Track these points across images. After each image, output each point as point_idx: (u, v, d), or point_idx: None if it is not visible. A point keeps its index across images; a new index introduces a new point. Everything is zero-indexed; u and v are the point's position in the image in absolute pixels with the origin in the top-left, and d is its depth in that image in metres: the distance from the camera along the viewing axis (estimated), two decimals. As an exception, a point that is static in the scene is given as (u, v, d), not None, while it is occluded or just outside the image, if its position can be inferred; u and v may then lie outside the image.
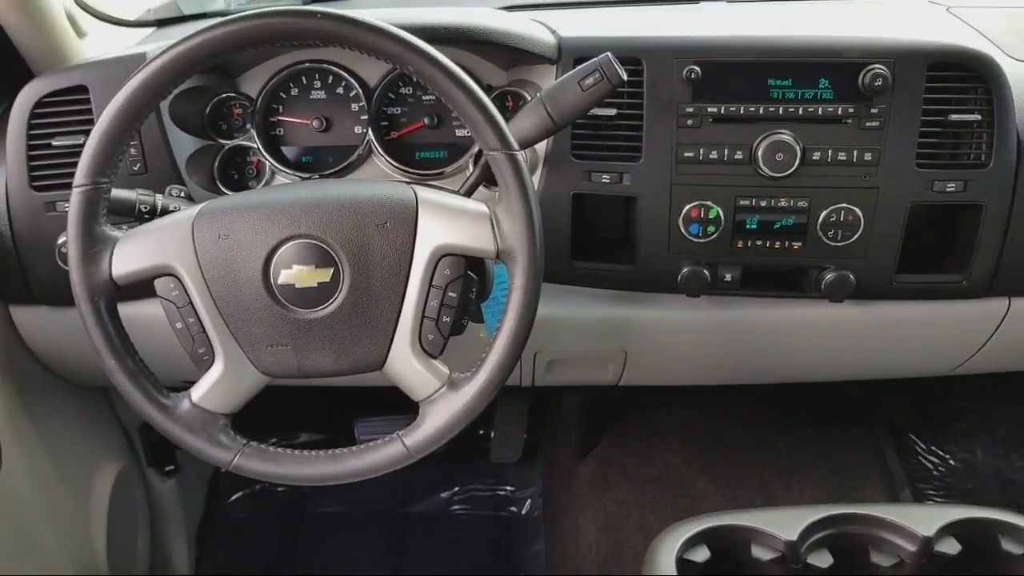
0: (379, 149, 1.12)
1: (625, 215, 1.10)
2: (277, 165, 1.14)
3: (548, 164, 1.05)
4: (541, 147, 1.05)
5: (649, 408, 1.88)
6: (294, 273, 0.83)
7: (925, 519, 0.95)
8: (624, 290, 1.14)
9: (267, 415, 1.14)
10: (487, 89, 1.10)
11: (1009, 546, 0.94)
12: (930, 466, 1.85)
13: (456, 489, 1.86)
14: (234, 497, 1.87)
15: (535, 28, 1.07)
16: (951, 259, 1.10)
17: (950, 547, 0.93)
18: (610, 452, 1.81)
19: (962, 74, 1.02)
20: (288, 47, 0.98)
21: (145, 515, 1.58)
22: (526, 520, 1.83)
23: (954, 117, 1.02)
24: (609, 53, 0.89)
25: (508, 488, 1.86)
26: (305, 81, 1.14)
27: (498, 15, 1.08)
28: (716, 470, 1.78)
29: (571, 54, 1.04)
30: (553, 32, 1.07)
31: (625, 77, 0.90)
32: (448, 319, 0.85)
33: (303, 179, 1.13)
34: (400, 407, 0.95)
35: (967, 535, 0.94)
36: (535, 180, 1.05)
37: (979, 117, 1.02)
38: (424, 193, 0.85)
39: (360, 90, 1.12)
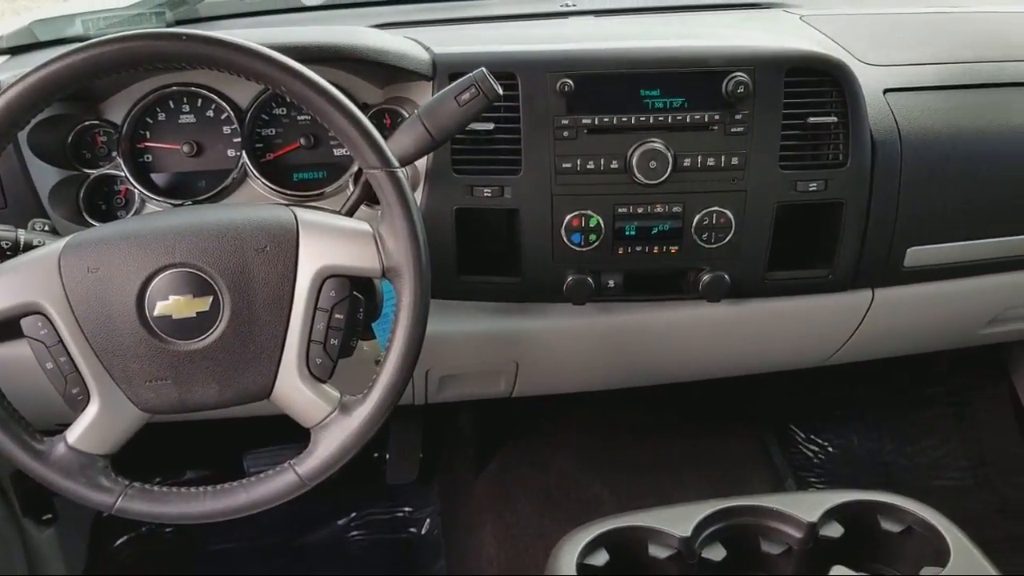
0: (254, 172, 1.09)
1: (509, 227, 1.11)
2: (147, 193, 1.09)
3: (429, 180, 1.05)
4: (421, 163, 1.05)
5: (542, 417, 1.90)
6: (171, 304, 0.80)
7: (809, 506, 0.99)
8: (512, 302, 1.15)
9: (149, 454, 1.09)
10: (363, 107, 1.09)
11: (887, 525, 0.99)
12: (810, 454, 1.94)
13: (353, 515, 1.82)
14: (119, 542, 1.77)
15: (409, 45, 1.07)
16: (817, 255, 1.15)
17: (834, 530, 0.98)
18: (506, 465, 1.81)
19: (817, 79, 1.07)
20: (153, 71, 0.95)
21: (23, 568, 1.48)
22: (426, 540, 1.81)
23: (812, 120, 1.07)
24: (484, 68, 0.90)
25: (406, 509, 1.84)
26: (173, 105, 1.10)
27: (370, 33, 1.08)
28: (610, 474, 1.82)
29: (446, 70, 1.04)
30: (427, 49, 1.07)
31: (501, 91, 0.91)
32: (336, 342, 0.83)
33: (176, 206, 1.09)
34: (291, 436, 0.93)
35: (848, 518, 0.99)
36: (417, 197, 1.05)
37: (835, 119, 1.08)
38: (304, 215, 0.84)
39: (231, 112, 1.09)
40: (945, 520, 0.97)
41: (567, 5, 1.38)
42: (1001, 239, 1.17)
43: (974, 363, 1.94)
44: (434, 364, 1.21)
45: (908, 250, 1.15)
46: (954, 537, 0.94)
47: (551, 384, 1.34)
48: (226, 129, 1.11)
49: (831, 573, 0.91)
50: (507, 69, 1.02)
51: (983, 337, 1.40)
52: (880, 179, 1.11)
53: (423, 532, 1.82)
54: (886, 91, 1.15)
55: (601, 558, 0.96)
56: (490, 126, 1.04)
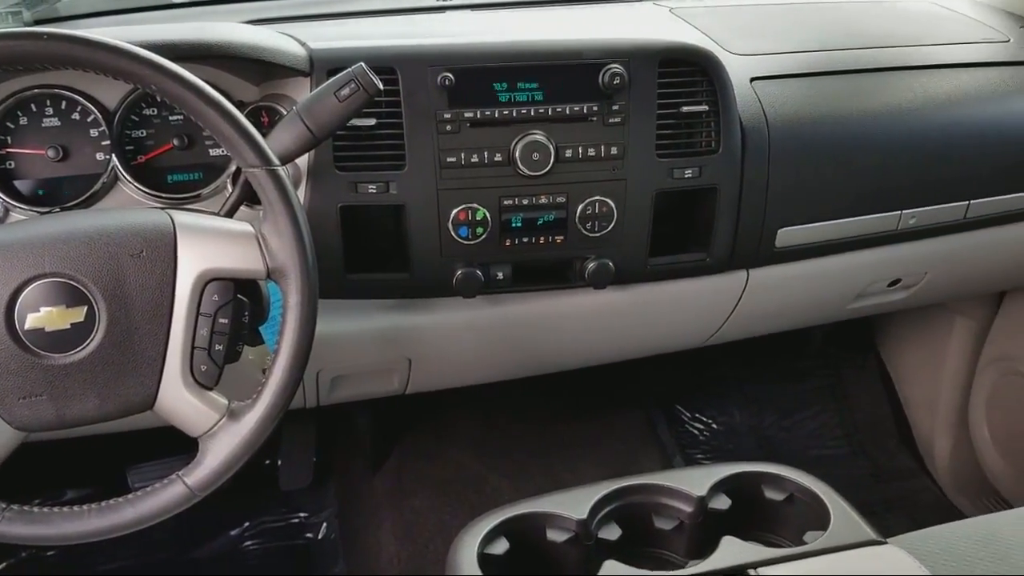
0: (126, 175, 1.05)
1: (395, 223, 1.10)
2: (10, 201, 1.03)
3: (311, 178, 1.04)
4: (302, 161, 1.03)
5: (437, 412, 1.90)
6: (42, 316, 0.76)
7: (697, 480, 1.02)
8: (402, 298, 1.15)
9: (27, 474, 1.04)
10: (239, 105, 1.06)
11: (771, 494, 1.04)
12: (696, 432, 2.01)
13: (246, 524, 1.77)
14: (-4, 569, 1.68)
15: (284, 41, 1.05)
16: (695, 239, 1.19)
17: (721, 503, 1.01)
18: (403, 461, 1.81)
19: (689, 69, 1.11)
20: (13, 73, 0.90)
21: None
22: (324, 545, 1.78)
23: (685, 109, 1.11)
24: (363, 63, 0.89)
25: (302, 515, 1.81)
26: (35, 108, 1.05)
27: (243, 29, 1.05)
28: (506, 463, 1.84)
29: (324, 66, 1.03)
30: (303, 44, 1.05)
31: (381, 86, 0.91)
32: (221, 347, 0.81)
33: (43, 214, 1.04)
34: (179, 447, 0.90)
35: (735, 489, 1.03)
36: (299, 195, 1.03)
37: (707, 108, 1.11)
38: (181, 217, 0.81)
39: (99, 114, 1.05)
40: (824, 487, 1.02)
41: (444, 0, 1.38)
42: (864, 217, 1.24)
43: (844, 337, 2.05)
44: (325, 365, 1.19)
45: (779, 231, 1.21)
46: (833, 502, 0.99)
47: (445, 379, 1.34)
48: (94, 132, 1.06)
49: (721, 544, 0.95)
50: (387, 64, 1.02)
51: (851, 311, 1.48)
52: (750, 164, 1.15)
53: (320, 536, 1.79)
54: (753, 80, 1.20)
55: (501, 546, 0.97)
56: (372, 122, 1.03)
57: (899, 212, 1.26)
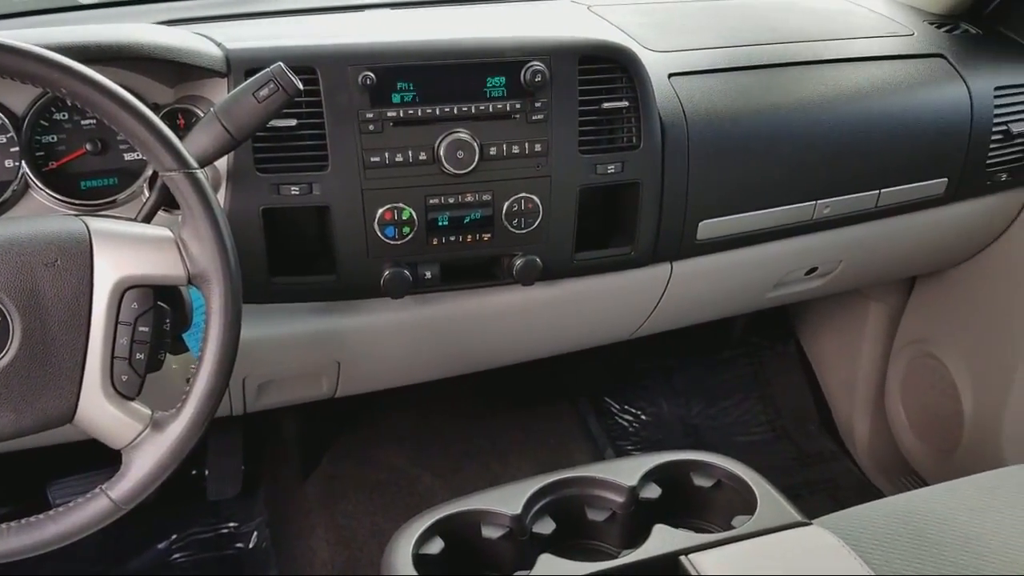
0: (36, 182, 1.01)
1: (320, 225, 1.09)
2: (-90, 212, 0.99)
3: (231, 181, 1.02)
4: (221, 164, 1.01)
5: (367, 414, 1.88)
6: (-48, 330, 0.73)
7: (627, 471, 1.04)
8: (329, 300, 1.13)
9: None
10: (154, 108, 1.04)
11: (700, 481, 1.06)
12: (625, 424, 2.03)
13: (174, 537, 1.73)
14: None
15: (199, 41, 1.02)
16: (620, 234, 1.21)
17: (652, 492, 1.03)
18: (334, 466, 1.79)
19: (609, 66, 1.12)
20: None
21: None
22: (255, 554, 1.75)
23: (606, 105, 1.12)
24: (281, 63, 0.88)
25: (231, 524, 1.77)
26: (-65, 115, 1.00)
27: (156, 30, 1.02)
28: (439, 463, 1.83)
29: (241, 66, 1.01)
30: (219, 45, 1.03)
31: (300, 86, 0.89)
32: (142, 356, 0.79)
33: (-54, 224, 1.00)
34: (102, 460, 0.87)
35: (665, 478, 1.05)
36: (219, 198, 1.01)
37: (627, 104, 1.13)
38: (97, 224, 0.79)
39: (6, 120, 1.00)
40: (751, 472, 1.05)
41: (363, -2, 1.37)
42: (780, 208, 1.28)
43: (764, 326, 2.11)
44: (251, 371, 1.17)
45: (700, 224, 1.23)
46: (760, 487, 1.02)
47: (375, 380, 1.33)
48: (1, 138, 1.02)
49: (653, 532, 0.96)
50: (306, 64, 1.01)
51: (770, 300, 1.52)
52: (671, 159, 1.17)
53: (251, 545, 1.76)
54: (671, 75, 1.22)
55: (436, 546, 0.97)
56: (292, 122, 1.02)
57: (814, 202, 1.30)
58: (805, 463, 2.02)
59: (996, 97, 1.39)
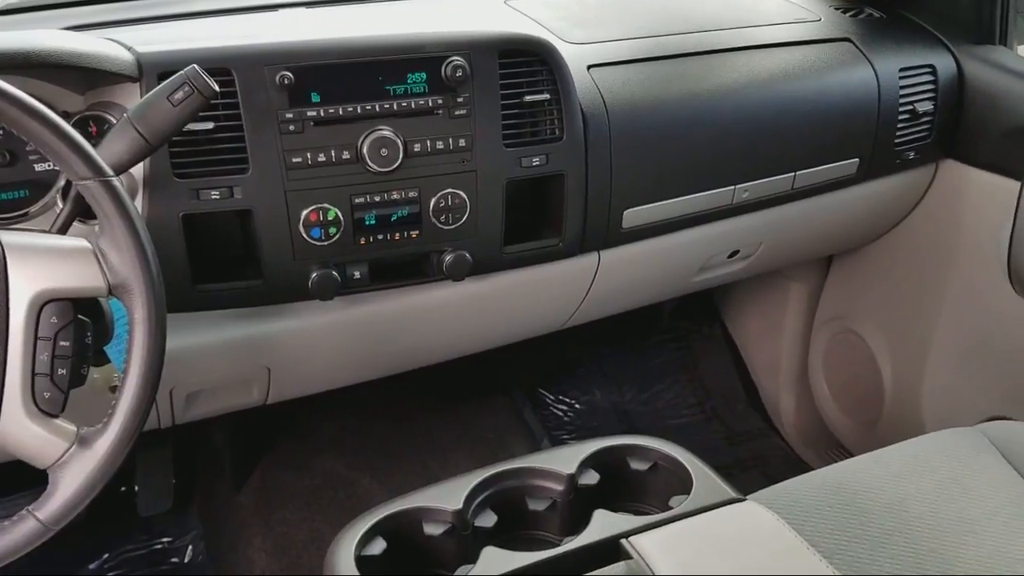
0: (-60, 197, 0.97)
1: (244, 229, 1.07)
2: None
3: (148, 187, 0.99)
4: (137, 171, 0.98)
5: (301, 420, 1.86)
6: None
7: (565, 459, 1.05)
8: (256, 305, 1.11)
9: None
10: (64, 116, 1.00)
11: (636, 464, 1.08)
12: (560, 413, 2.05)
13: (106, 556, 1.68)
14: None
15: (108, 46, 0.99)
16: (548, 225, 1.22)
17: (591, 478, 1.05)
18: (269, 474, 1.76)
19: (528, 59, 1.12)
20: None
21: None
22: (191, 568, 1.71)
23: (528, 98, 1.13)
24: (195, 65, 0.86)
25: (165, 540, 1.73)
26: None
27: (62, 35, 0.99)
28: (376, 464, 1.82)
29: (154, 70, 0.98)
30: (129, 49, 1.00)
31: (217, 88, 0.88)
32: (64, 371, 0.77)
33: None
34: (28, 481, 0.84)
35: (602, 464, 1.06)
36: (137, 205, 0.98)
37: (548, 96, 1.14)
38: (9, 238, 0.76)
39: (-95, 132, 0.96)
40: (685, 452, 1.07)
41: (277, -3, 1.35)
42: (701, 194, 1.30)
43: (691, 310, 2.15)
44: (178, 381, 1.14)
45: (625, 212, 1.25)
46: (694, 466, 1.04)
47: (307, 385, 1.32)
48: (-100, 153, 0.97)
49: (593, 518, 0.98)
50: (221, 65, 0.98)
51: (696, 284, 1.55)
52: (594, 150, 1.18)
53: (187, 560, 1.72)
54: (589, 67, 1.23)
55: (378, 547, 0.96)
56: (210, 125, 0.99)
57: (733, 187, 1.33)
58: (735, 441, 2.07)
59: (901, 78, 1.44)
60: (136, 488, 1.67)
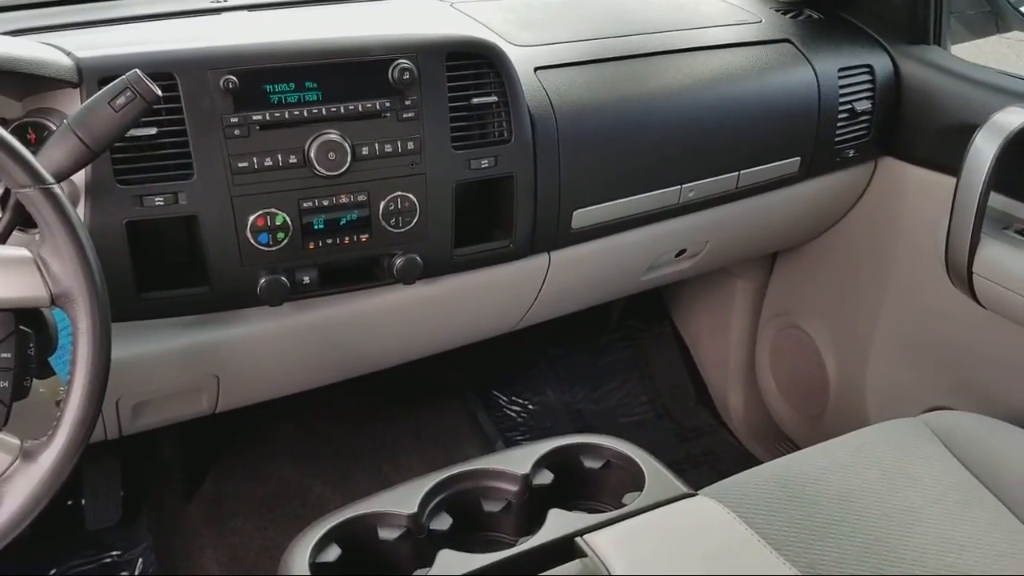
0: None
1: (190, 235, 1.05)
2: None
3: (91, 194, 0.97)
4: (79, 178, 0.96)
5: (251, 428, 1.84)
6: None
7: (519, 460, 1.05)
8: (203, 313, 1.10)
9: None
10: (1, 123, 0.98)
11: (589, 463, 1.09)
12: (514, 415, 2.06)
13: (53, 572, 1.64)
14: None
15: (47, 51, 0.97)
16: (498, 227, 1.22)
17: (545, 478, 1.05)
18: (220, 483, 1.74)
19: (476, 62, 1.13)
20: None
21: None
22: (141, 581, 1.69)
23: (476, 101, 1.13)
24: (137, 70, 0.85)
25: (114, 554, 1.70)
26: None
27: (-2, 40, 0.97)
28: (329, 471, 1.80)
29: (94, 75, 0.96)
30: (68, 54, 0.98)
31: (159, 93, 0.86)
32: (6, 384, 0.75)
33: None
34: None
35: (556, 463, 1.07)
36: (79, 213, 0.97)
37: (496, 99, 1.14)
38: (-54, 248, 0.74)
39: None
40: (637, 450, 1.08)
41: (219, 1, 1.33)
42: (649, 194, 1.32)
43: (640, 309, 2.17)
44: (124, 391, 1.12)
45: (574, 213, 1.26)
46: (647, 463, 1.05)
47: (258, 392, 1.30)
48: None
49: (548, 517, 0.98)
50: (164, 69, 0.97)
51: (644, 283, 1.56)
52: (542, 151, 1.19)
53: (137, 573, 1.68)
54: (536, 69, 1.24)
55: (333, 553, 0.96)
56: (153, 130, 0.98)
57: (679, 187, 1.35)
58: (686, 438, 2.09)
59: (840, 78, 1.48)
60: (83, 501, 1.64)
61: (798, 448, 1.21)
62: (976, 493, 1.06)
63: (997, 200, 1.35)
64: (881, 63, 1.52)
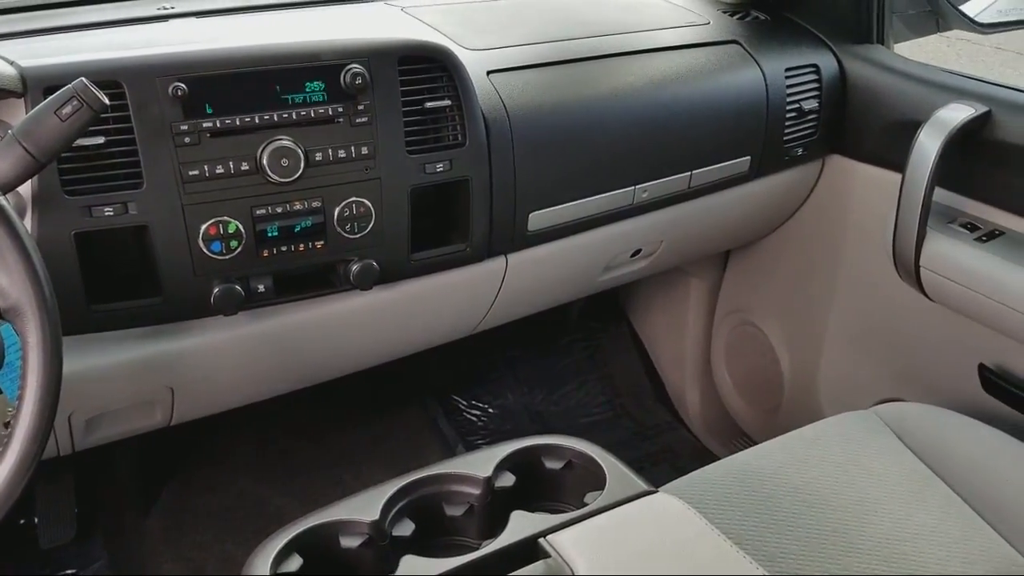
0: None
1: (141, 245, 1.04)
2: None
3: (38, 206, 0.95)
4: (25, 189, 0.94)
5: (208, 439, 1.81)
6: None
7: (481, 463, 1.06)
8: (156, 324, 1.08)
9: None
10: (-59, 134, 0.96)
11: (551, 464, 1.09)
12: (474, 419, 2.06)
13: (6, 593, 1.61)
14: None
15: (-12, 60, 0.95)
16: (455, 231, 1.22)
17: (507, 480, 1.05)
18: (178, 496, 1.71)
19: (428, 66, 1.13)
20: None
21: None
22: (97, 599, 1.65)
23: (429, 105, 1.13)
24: (84, 78, 0.84)
25: (69, 572, 1.66)
26: None
27: (-65, 50, 0.94)
28: (288, 481, 1.79)
29: (39, 84, 0.94)
30: (12, 63, 0.96)
31: (107, 101, 0.85)
32: (-48, 402, 0.73)
33: None
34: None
35: (517, 465, 1.07)
36: (26, 225, 0.94)
37: (449, 102, 1.14)
38: None
39: None
40: (598, 449, 1.09)
41: (164, 8, 1.31)
42: (604, 195, 1.33)
43: (598, 310, 2.19)
44: (77, 406, 1.10)
45: (530, 215, 1.26)
46: (607, 462, 1.06)
47: (214, 404, 1.28)
48: None
49: (511, 519, 0.98)
50: (111, 77, 0.95)
51: (601, 284, 1.57)
52: (497, 154, 1.19)
53: (93, 591, 1.66)
54: (489, 72, 1.24)
55: (295, 563, 0.95)
56: (100, 140, 0.96)
57: (633, 187, 1.36)
58: (645, 436, 2.11)
59: (787, 78, 1.50)
60: (36, 520, 1.60)
61: (754, 443, 1.23)
62: (928, 482, 1.09)
63: (942, 195, 1.38)
64: (827, 62, 1.55)
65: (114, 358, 1.08)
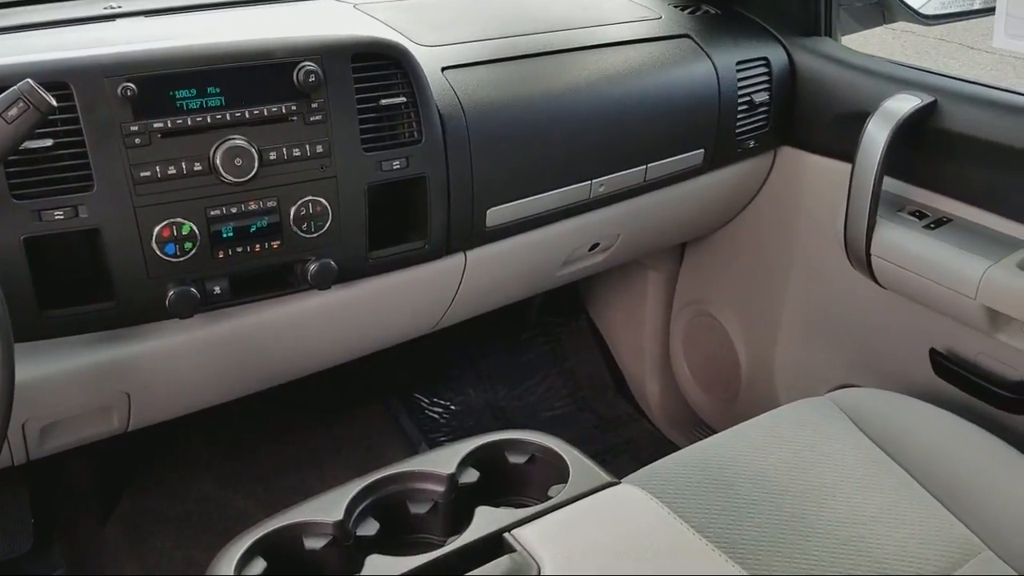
0: None
1: (92, 249, 1.02)
2: None
3: (-15, 211, 0.93)
4: (-30, 194, 0.92)
5: (169, 444, 1.79)
6: None
7: (444, 460, 1.05)
8: (110, 329, 1.06)
9: None
10: None
11: (514, 458, 1.09)
12: (436, 416, 2.05)
13: (-41, 607, 1.57)
14: None
15: (-71, 63, 0.93)
16: (413, 228, 1.22)
17: (470, 476, 1.05)
18: (136, 502, 1.68)
19: (382, 63, 1.12)
20: None
21: None
22: (55, 610, 1.62)
23: (384, 102, 1.12)
24: (30, 79, 0.82)
25: (25, 582, 1.63)
26: None
27: None
28: (250, 483, 1.77)
29: (-16, 86, 0.92)
30: (-46, 65, 0.94)
31: (54, 103, 0.84)
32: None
33: None
34: None
35: (481, 461, 1.07)
36: (-27, 232, 0.93)
37: (404, 99, 1.14)
38: None
39: None
40: (560, 442, 1.09)
41: (112, 8, 1.29)
42: (561, 190, 1.33)
43: (558, 305, 2.20)
44: (31, 414, 1.08)
45: (488, 211, 1.26)
46: (570, 455, 1.06)
47: (171, 408, 1.27)
48: None
49: (475, 515, 0.98)
50: (58, 79, 0.94)
51: (560, 278, 1.58)
52: (453, 151, 1.19)
53: (51, 603, 1.63)
54: (444, 69, 1.24)
55: (258, 567, 0.94)
56: (49, 142, 0.94)
57: (590, 182, 1.37)
58: (607, 428, 2.12)
59: (738, 71, 1.52)
60: (-10, 531, 1.57)
61: (714, 432, 1.24)
62: (884, 466, 1.11)
63: (891, 184, 1.41)
64: (776, 55, 1.57)
65: (68, 364, 1.06)
